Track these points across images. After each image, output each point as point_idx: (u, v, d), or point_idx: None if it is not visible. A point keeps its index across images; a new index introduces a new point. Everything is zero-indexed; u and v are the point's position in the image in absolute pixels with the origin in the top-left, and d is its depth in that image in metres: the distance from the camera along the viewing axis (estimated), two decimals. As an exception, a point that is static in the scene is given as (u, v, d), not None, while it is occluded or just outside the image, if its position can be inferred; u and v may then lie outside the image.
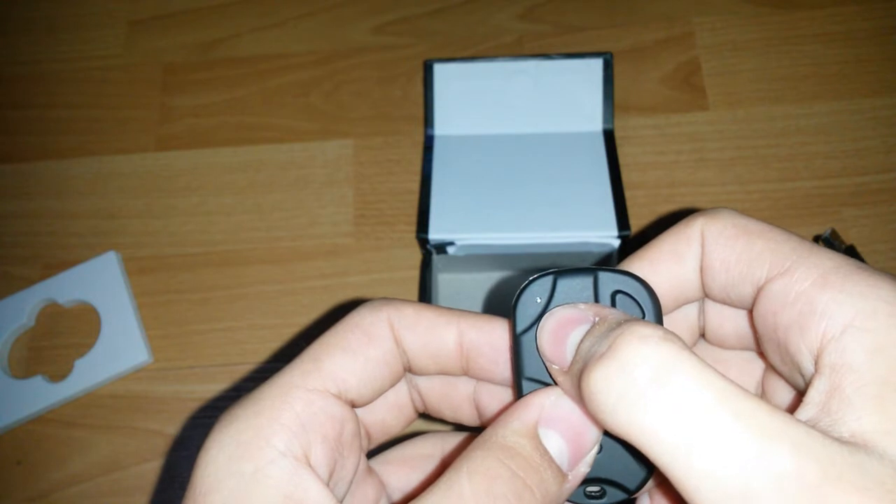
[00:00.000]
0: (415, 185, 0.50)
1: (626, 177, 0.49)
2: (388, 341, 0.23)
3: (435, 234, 0.45)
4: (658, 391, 0.16)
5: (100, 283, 0.48)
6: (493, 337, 0.23)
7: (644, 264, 0.23)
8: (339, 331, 0.23)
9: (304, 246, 0.49)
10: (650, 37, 0.54)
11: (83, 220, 0.52)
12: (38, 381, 0.46)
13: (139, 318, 0.48)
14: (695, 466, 0.16)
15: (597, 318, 0.20)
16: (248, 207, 0.51)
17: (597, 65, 0.49)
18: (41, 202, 0.52)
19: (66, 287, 0.48)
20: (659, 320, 0.21)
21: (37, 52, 0.57)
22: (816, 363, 0.18)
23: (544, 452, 0.20)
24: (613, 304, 0.21)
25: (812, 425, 0.16)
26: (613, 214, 0.45)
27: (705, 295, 0.23)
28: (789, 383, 0.21)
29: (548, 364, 0.21)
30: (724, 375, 0.17)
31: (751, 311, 0.21)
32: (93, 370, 0.46)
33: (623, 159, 0.49)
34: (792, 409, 0.19)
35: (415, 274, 0.47)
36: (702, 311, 0.24)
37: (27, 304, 0.48)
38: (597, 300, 0.22)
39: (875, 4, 0.53)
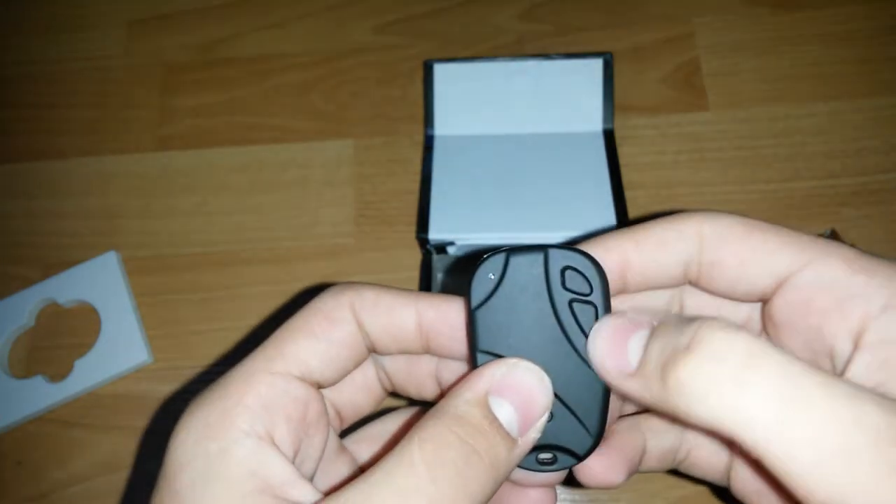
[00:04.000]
0: (415, 185, 0.50)
1: (626, 177, 0.49)
2: (350, 324, 0.24)
3: (435, 234, 0.45)
4: (752, 375, 0.18)
5: (100, 283, 0.48)
6: (450, 315, 0.24)
7: (627, 241, 0.24)
8: (303, 316, 0.24)
9: (305, 246, 0.49)
10: (650, 37, 0.54)
11: (83, 220, 0.51)
12: (38, 381, 0.46)
13: (139, 318, 0.48)
14: (795, 437, 0.17)
15: (655, 322, 0.21)
16: (248, 207, 0.51)
17: (597, 65, 0.49)
18: (41, 202, 0.52)
19: (66, 287, 0.48)
20: (606, 296, 0.23)
21: (37, 52, 0.57)
22: (857, 342, 0.20)
23: (493, 420, 0.21)
24: (563, 280, 0.23)
25: None
26: (613, 214, 0.45)
27: (706, 289, 0.24)
28: None
29: (604, 373, 0.22)
30: (797, 358, 0.18)
31: (764, 302, 0.23)
32: (93, 370, 0.46)
33: (623, 159, 0.49)
34: None
35: (415, 274, 0.47)
36: (675, 298, 0.26)
37: (27, 304, 0.48)
38: (547, 276, 0.23)
39: (875, 4, 0.53)
